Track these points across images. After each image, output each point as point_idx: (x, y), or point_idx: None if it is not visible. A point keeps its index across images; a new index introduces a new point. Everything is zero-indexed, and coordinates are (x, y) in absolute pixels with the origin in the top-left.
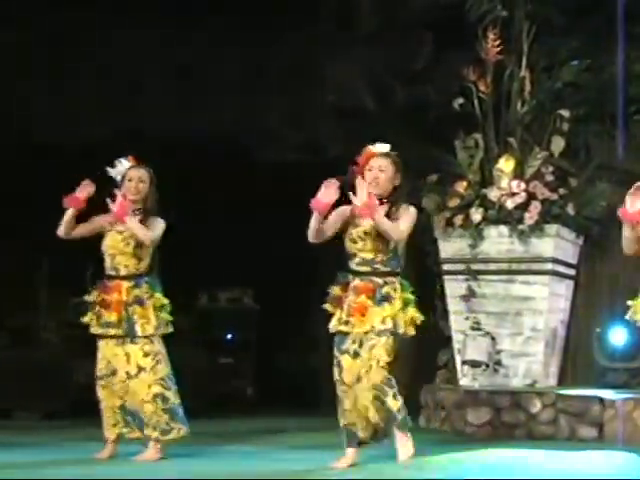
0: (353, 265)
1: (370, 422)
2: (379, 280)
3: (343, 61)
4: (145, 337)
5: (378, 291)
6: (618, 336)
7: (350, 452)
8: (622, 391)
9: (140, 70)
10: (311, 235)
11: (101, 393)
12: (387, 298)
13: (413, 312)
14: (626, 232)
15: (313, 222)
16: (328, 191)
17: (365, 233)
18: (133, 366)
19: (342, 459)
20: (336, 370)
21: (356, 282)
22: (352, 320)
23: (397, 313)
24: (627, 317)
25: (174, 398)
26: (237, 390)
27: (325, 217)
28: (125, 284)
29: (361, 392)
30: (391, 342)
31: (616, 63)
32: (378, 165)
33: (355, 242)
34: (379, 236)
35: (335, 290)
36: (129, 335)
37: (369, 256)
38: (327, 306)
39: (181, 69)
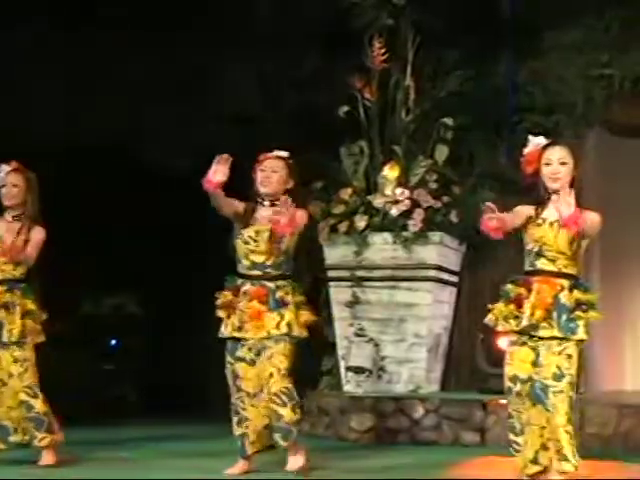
0: (243, 269)
1: (264, 431)
2: (271, 284)
3: (234, 66)
4: (14, 343)
5: (271, 296)
6: (500, 342)
7: (242, 460)
8: (504, 396)
9: (27, 72)
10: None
11: None
12: (282, 303)
13: (306, 314)
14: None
15: (212, 202)
16: (219, 168)
17: (257, 233)
18: (4, 372)
19: (235, 466)
20: (231, 378)
21: (247, 286)
22: (246, 326)
23: (292, 318)
24: (486, 321)
25: (40, 407)
26: (121, 396)
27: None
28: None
29: (260, 402)
30: (289, 347)
31: (500, 73)
32: (271, 166)
33: (247, 243)
34: (271, 237)
35: (225, 295)
36: None
37: (260, 259)
38: (218, 312)
39: (70, 72)
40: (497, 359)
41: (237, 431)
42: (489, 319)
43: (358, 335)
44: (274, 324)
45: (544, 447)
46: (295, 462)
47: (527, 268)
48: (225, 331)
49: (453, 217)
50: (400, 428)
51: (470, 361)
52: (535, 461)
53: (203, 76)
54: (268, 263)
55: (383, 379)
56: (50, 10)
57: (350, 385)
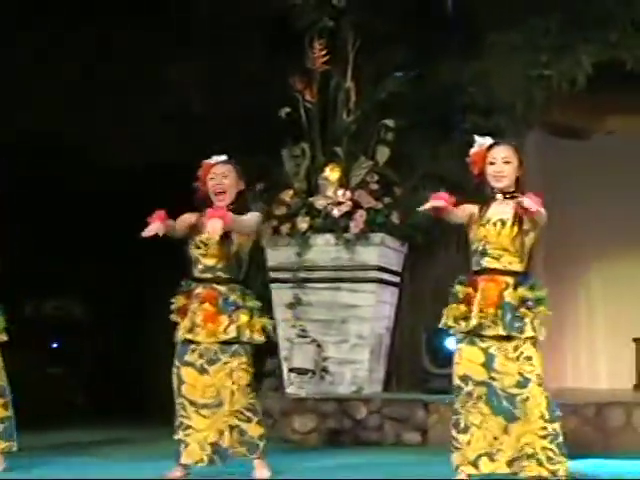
0: (196, 272)
1: (207, 445)
2: (222, 288)
3: (176, 64)
4: None
5: (222, 299)
6: (443, 341)
7: (180, 467)
8: (446, 396)
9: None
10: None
11: None
12: (234, 306)
13: (263, 320)
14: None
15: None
16: (154, 226)
17: (208, 238)
18: None
19: (174, 471)
20: (176, 381)
21: (199, 290)
22: (197, 329)
23: (244, 322)
24: (441, 324)
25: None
26: (68, 400)
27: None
28: None
29: (220, 417)
30: (246, 360)
31: (441, 73)
32: (221, 172)
33: (198, 247)
34: (222, 242)
35: (179, 299)
36: None
37: (211, 262)
38: (173, 316)
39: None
40: (442, 359)
41: (176, 435)
42: (443, 323)
43: (300, 336)
44: (223, 328)
45: (489, 455)
46: (261, 474)
47: (474, 267)
48: (180, 334)
49: (394, 218)
50: (343, 429)
51: (412, 361)
52: (474, 464)
53: (143, 75)
54: (219, 267)
55: (326, 380)
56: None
57: (293, 386)
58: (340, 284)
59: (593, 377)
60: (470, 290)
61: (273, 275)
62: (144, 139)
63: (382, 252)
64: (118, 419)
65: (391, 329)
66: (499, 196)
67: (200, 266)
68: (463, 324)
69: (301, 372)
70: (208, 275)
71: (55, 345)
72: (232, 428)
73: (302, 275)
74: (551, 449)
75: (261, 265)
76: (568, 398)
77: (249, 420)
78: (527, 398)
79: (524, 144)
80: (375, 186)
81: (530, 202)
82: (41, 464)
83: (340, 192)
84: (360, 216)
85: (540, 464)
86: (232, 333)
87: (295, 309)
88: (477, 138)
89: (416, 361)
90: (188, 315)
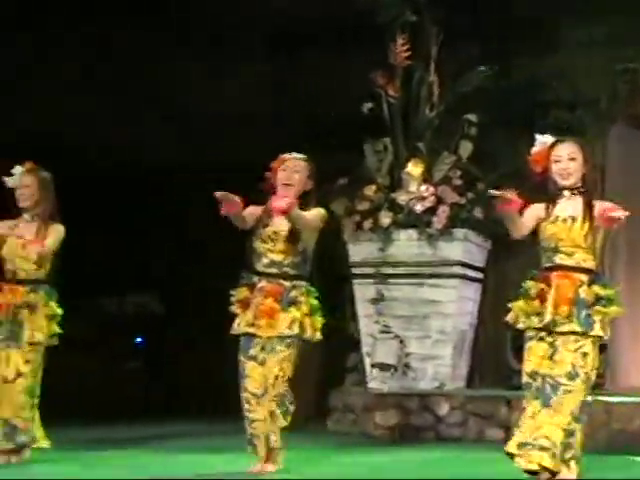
0: (260, 266)
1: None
2: (287, 283)
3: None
4: (31, 344)
5: (286, 294)
6: None
7: (259, 460)
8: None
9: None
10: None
11: None
12: (294, 302)
13: (319, 318)
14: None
15: (234, 222)
16: (229, 202)
17: (275, 233)
18: (12, 371)
19: (256, 466)
20: (240, 375)
21: (263, 284)
22: (259, 323)
23: (304, 318)
24: (507, 319)
25: (29, 412)
26: (144, 395)
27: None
28: (21, 289)
29: (264, 402)
30: (296, 352)
31: (523, 68)
32: (293, 166)
33: (265, 242)
34: (290, 237)
35: (241, 291)
36: (14, 339)
37: (278, 258)
38: (234, 307)
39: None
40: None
41: (248, 431)
42: (510, 317)
43: (383, 332)
44: (286, 324)
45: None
46: (264, 468)
47: (546, 264)
48: (238, 327)
49: (477, 213)
50: (425, 425)
51: (495, 357)
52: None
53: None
54: (286, 262)
55: (408, 376)
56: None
57: (375, 382)
58: (423, 280)
59: None
60: (543, 286)
61: (355, 271)
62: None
63: (465, 248)
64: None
65: (474, 325)
66: (566, 193)
67: (265, 260)
68: (535, 320)
69: (383, 368)
70: (274, 270)
71: (136, 340)
72: (271, 414)
73: (384, 271)
74: (568, 444)
75: (339, 260)
76: None
77: (280, 405)
78: (570, 391)
79: (607, 138)
80: (458, 181)
81: (613, 209)
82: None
83: (423, 187)
84: (443, 211)
85: (552, 456)
86: (295, 329)
87: (378, 305)
88: (538, 137)
89: (499, 357)
90: (250, 308)
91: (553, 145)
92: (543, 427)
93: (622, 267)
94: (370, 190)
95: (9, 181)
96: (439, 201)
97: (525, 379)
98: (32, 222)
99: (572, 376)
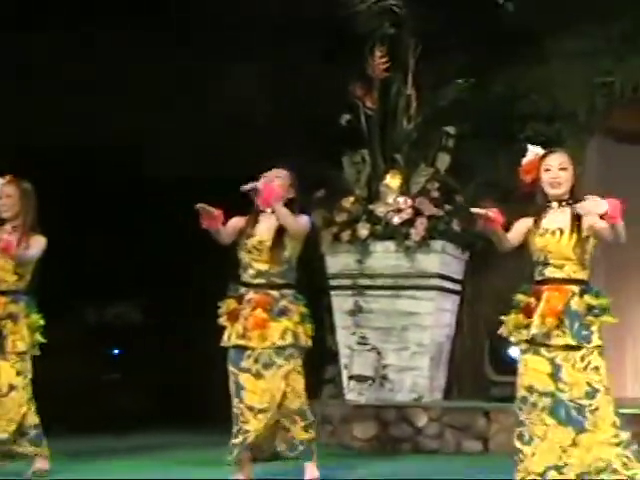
0: (247, 277)
1: (266, 444)
2: (275, 293)
3: (231, 74)
4: (17, 354)
5: (275, 304)
6: (507, 349)
7: (244, 468)
8: (507, 404)
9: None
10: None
11: None
12: (285, 311)
13: (309, 325)
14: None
15: (214, 236)
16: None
17: (260, 242)
18: (4, 383)
19: (238, 475)
20: (234, 387)
21: (251, 295)
22: (249, 334)
23: (296, 326)
24: (500, 332)
25: (32, 419)
26: (125, 406)
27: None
28: (2, 299)
29: (267, 417)
30: (300, 362)
31: (501, 80)
32: (274, 172)
33: (250, 252)
34: (275, 246)
35: (229, 303)
36: None
37: (264, 267)
38: (221, 320)
39: (71, 82)
40: (505, 367)
41: (234, 439)
42: (502, 330)
43: (360, 344)
44: (279, 334)
45: (557, 468)
46: (311, 475)
47: (537, 278)
48: (228, 340)
49: (455, 225)
50: (403, 436)
51: (472, 369)
52: (542, 476)
53: (202, 80)
54: (272, 271)
55: (385, 387)
56: (51, 10)
57: (353, 393)
58: (400, 291)
59: None
60: (532, 300)
61: (333, 282)
62: (201, 149)
63: (443, 260)
64: (176, 424)
65: (452, 337)
66: (554, 204)
67: (251, 271)
68: (524, 332)
69: (361, 379)
70: (261, 280)
71: (115, 351)
72: (285, 429)
73: (362, 282)
74: (626, 455)
75: (317, 272)
76: (628, 407)
77: (294, 422)
78: (597, 408)
79: (586, 150)
80: (436, 193)
81: (614, 210)
82: (94, 469)
83: (401, 199)
84: (421, 223)
85: (614, 472)
86: (289, 339)
87: (355, 316)
88: (530, 147)
89: (477, 369)
90: (239, 320)
91: (544, 155)
92: (592, 449)
93: (602, 278)
94: (348, 202)
95: None
96: (417, 213)
97: (522, 393)
98: (13, 233)
99: (592, 394)
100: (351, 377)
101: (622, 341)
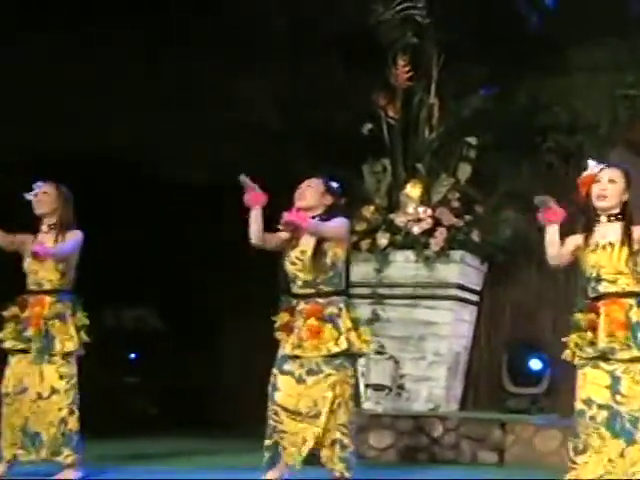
0: (296, 288)
1: (303, 448)
2: (323, 300)
3: (250, 80)
4: (64, 356)
5: (326, 312)
6: (526, 361)
7: (274, 471)
8: (523, 416)
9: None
10: (253, 236)
11: (5, 411)
12: (332, 318)
13: (364, 330)
14: (548, 238)
15: (252, 221)
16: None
17: (302, 253)
18: (46, 387)
19: (269, 474)
20: (270, 388)
21: (302, 305)
22: (305, 344)
23: (348, 332)
24: (563, 356)
25: (73, 424)
26: (141, 410)
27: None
28: (48, 299)
29: (316, 427)
30: (350, 372)
31: (524, 91)
32: (306, 182)
33: (294, 264)
34: (317, 255)
35: (283, 316)
36: (46, 351)
37: (309, 277)
38: (278, 334)
39: (82, 84)
40: (523, 379)
41: (267, 441)
42: (566, 354)
43: (378, 352)
44: (333, 341)
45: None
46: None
47: (591, 294)
48: (288, 350)
49: (475, 236)
50: (419, 446)
51: (489, 380)
52: None
53: (224, 91)
54: (318, 280)
55: (402, 397)
56: (57, 23)
57: (369, 402)
58: (419, 301)
59: None
60: (593, 316)
61: (352, 291)
62: (219, 156)
63: (462, 270)
64: (189, 430)
65: (469, 348)
66: (603, 218)
67: (299, 282)
68: (590, 350)
69: (378, 388)
70: (309, 290)
71: (132, 355)
72: (334, 442)
73: (381, 291)
74: None
75: None
76: None
77: (347, 435)
78: None
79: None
80: (456, 204)
81: None
82: (110, 473)
83: (421, 209)
84: (440, 233)
85: None
86: (343, 345)
87: (373, 325)
88: (590, 162)
89: (494, 380)
90: (294, 332)
91: (600, 171)
92: (636, 463)
93: None
94: (368, 211)
95: (29, 195)
96: (437, 223)
97: (579, 406)
98: (49, 232)
99: None
100: (368, 386)
101: None
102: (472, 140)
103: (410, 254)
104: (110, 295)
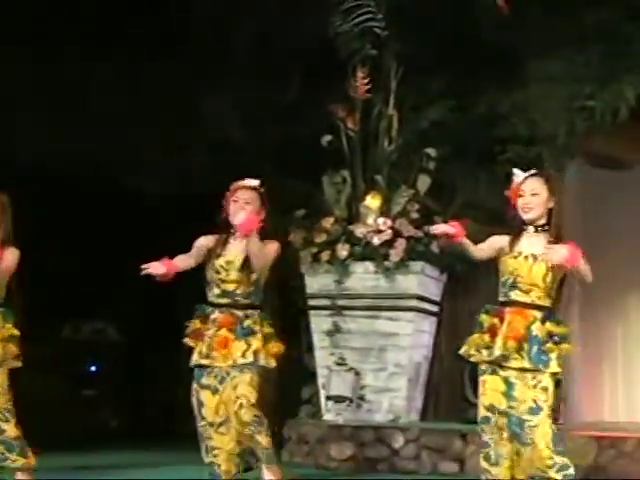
0: (213, 297)
1: (235, 457)
2: (240, 313)
3: (214, 93)
4: None
5: (239, 324)
6: None
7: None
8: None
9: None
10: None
11: None
12: (250, 332)
13: (276, 345)
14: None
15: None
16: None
17: (228, 262)
18: None
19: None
20: (196, 405)
21: (216, 315)
22: (214, 354)
23: (259, 346)
24: (461, 352)
25: (10, 431)
26: (101, 422)
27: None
28: None
29: (228, 430)
30: (255, 378)
31: (482, 103)
32: (244, 198)
33: (218, 272)
34: (243, 267)
35: (195, 323)
36: None
37: (230, 287)
38: (187, 340)
39: (54, 98)
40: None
41: (207, 459)
42: (463, 350)
43: (338, 364)
44: (240, 352)
45: None
46: (270, 475)
47: (501, 299)
48: (195, 359)
49: (434, 247)
50: (380, 457)
51: (450, 391)
52: None
53: (184, 105)
54: (238, 292)
55: (363, 408)
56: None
57: (330, 414)
58: (379, 312)
59: (630, 411)
60: (496, 321)
61: (312, 302)
62: (180, 169)
63: (422, 281)
64: (148, 442)
65: (430, 358)
66: (530, 229)
67: (217, 290)
68: (485, 353)
69: (339, 400)
70: (226, 300)
71: (92, 368)
72: (246, 438)
73: (341, 303)
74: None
75: (296, 291)
76: (605, 431)
77: (259, 432)
78: (536, 426)
79: (565, 174)
80: (416, 215)
81: (572, 258)
82: None
83: (381, 220)
84: (400, 244)
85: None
86: (249, 358)
87: (334, 337)
88: (516, 171)
89: (454, 391)
90: (204, 340)
91: (524, 180)
92: (534, 462)
93: (576, 306)
94: (328, 222)
95: None
96: (396, 234)
97: (483, 413)
98: None
99: (535, 410)
100: (329, 397)
101: (599, 367)
102: (431, 151)
103: (370, 265)
104: (69, 308)
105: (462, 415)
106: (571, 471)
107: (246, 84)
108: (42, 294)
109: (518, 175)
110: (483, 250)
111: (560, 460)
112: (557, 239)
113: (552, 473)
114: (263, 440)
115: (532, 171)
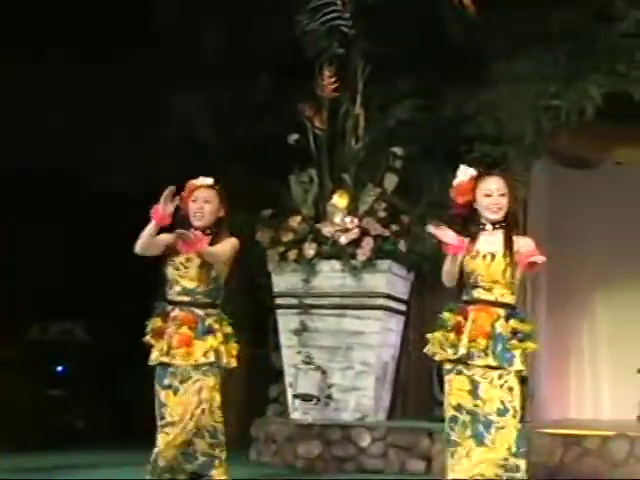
0: (173, 294)
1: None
2: (200, 312)
3: (183, 94)
4: None
5: (200, 323)
6: None
7: None
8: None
9: None
10: (140, 243)
11: None
12: (210, 330)
13: (234, 345)
14: (448, 266)
15: (146, 231)
16: (167, 201)
17: (188, 260)
18: None
19: None
20: (157, 405)
21: (176, 312)
22: (174, 352)
23: (219, 346)
24: (425, 350)
25: None
26: (68, 423)
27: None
28: None
29: (183, 433)
30: (218, 381)
31: (449, 102)
32: (203, 197)
33: (178, 269)
34: (202, 265)
35: (155, 321)
36: None
37: (191, 285)
38: (147, 338)
39: (19, 99)
40: None
41: (161, 464)
42: (427, 348)
43: (306, 363)
44: (202, 352)
45: None
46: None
47: (464, 297)
48: (154, 357)
49: (402, 246)
50: (347, 456)
51: (417, 389)
52: None
53: (151, 105)
54: (198, 290)
55: (330, 407)
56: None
57: (297, 412)
58: (346, 311)
59: (597, 408)
60: (460, 319)
61: (279, 301)
62: (149, 167)
63: (389, 279)
64: (116, 443)
65: (397, 357)
66: (488, 227)
67: (178, 288)
68: (450, 352)
69: (306, 398)
70: (186, 298)
71: (59, 368)
72: (190, 443)
73: (308, 301)
74: (512, 478)
75: (263, 290)
76: (571, 429)
77: (202, 437)
78: (502, 427)
79: (531, 173)
80: (383, 214)
81: (533, 254)
82: None
83: (348, 219)
84: (367, 243)
85: None
86: (211, 357)
87: (301, 335)
88: (462, 167)
89: (421, 389)
90: (164, 338)
91: (479, 177)
92: (478, 465)
93: (543, 303)
94: (295, 221)
95: None
96: (363, 233)
97: (451, 412)
98: None
99: (502, 412)
100: (296, 396)
101: (565, 362)
102: (398, 150)
103: (337, 264)
104: (36, 308)
105: (430, 414)
106: (519, 476)
107: (214, 83)
108: (8, 295)
109: (465, 172)
110: (454, 275)
111: (514, 463)
112: (517, 234)
113: (500, 473)
114: (207, 448)
115: (490, 170)
